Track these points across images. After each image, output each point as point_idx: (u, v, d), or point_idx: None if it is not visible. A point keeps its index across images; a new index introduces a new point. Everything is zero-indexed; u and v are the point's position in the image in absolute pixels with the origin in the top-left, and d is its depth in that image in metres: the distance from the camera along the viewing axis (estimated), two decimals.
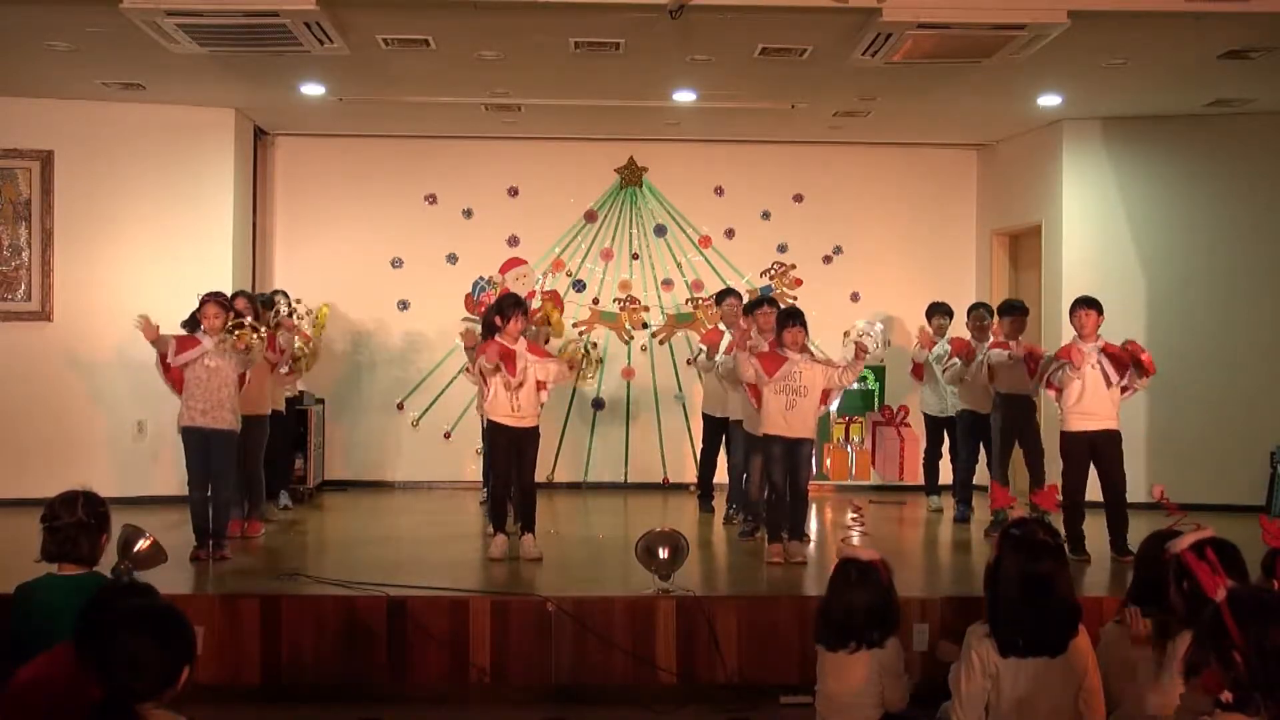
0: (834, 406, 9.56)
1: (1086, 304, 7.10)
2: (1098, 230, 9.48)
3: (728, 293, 8.79)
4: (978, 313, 8.60)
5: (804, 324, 6.97)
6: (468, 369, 7.82)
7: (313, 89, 8.63)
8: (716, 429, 8.61)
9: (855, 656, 4.31)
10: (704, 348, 8.42)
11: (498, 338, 6.97)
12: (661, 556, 5.86)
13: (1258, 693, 2.78)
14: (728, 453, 8.55)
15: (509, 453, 7.03)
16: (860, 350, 7.00)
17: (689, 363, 9.01)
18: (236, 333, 6.82)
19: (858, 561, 4.40)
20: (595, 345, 7.36)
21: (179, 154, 9.40)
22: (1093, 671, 3.80)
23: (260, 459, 7.85)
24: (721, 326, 8.61)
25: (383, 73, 8.06)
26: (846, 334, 8.28)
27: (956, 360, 8.25)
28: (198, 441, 6.82)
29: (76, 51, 7.61)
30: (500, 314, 7.00)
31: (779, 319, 7.08)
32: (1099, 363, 6.98)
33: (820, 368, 6.95)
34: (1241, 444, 9.13)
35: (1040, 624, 3.73)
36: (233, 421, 6.91)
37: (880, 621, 4.33)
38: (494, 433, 7.10)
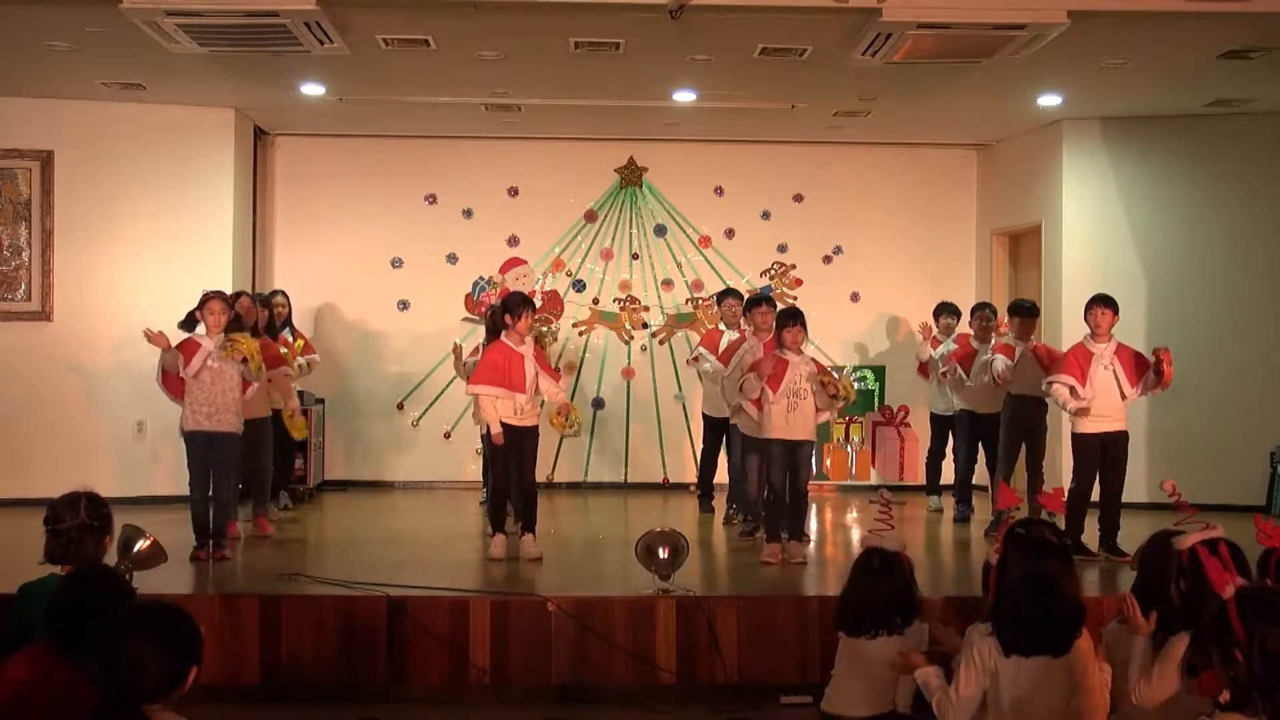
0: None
1: (1103, 302, 7.07)
2: (1098, 230, 9.48)
3: (728, 293, 8.79)
4: (982, 313, 8.59)
5: (804, 324, 6.96)
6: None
7: (313, 89, 8.63)
8: (716, 429, 8.60)
9: (875, 643, 4.34)
10: (703, 350, 8.42)
11: (504, 337, 6.96)
12: (661, 556, 5.86)
13: (1256, 692, 2.78)
14: (727, 453, 8.54)
15: (509, 452, 7.03)
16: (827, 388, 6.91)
17: (689, 362, 9.01)
18: (230, 343, 6.79)
19: (882, 551, 4.43)
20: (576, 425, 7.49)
21: (179, 154, 9.39)
22: (1093, 671, 3.80)
23: (269, 458, 7.84)
24: (722, 327, 8.61)
25: (383, 73, 8.06)
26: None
27: (956, 366, 8.32)
28: (201, 444, 6.82)
29: (76, 51, 7.61)
30: (510, 312, 6.97)
31: (779, 319, 7.07)
32: (1112, 364, 6.99)
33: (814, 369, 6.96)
34: (1241, 444, 9.13)
35: (1045, 624, 3.73)
36: (236, 424, 6.92)
37: (902, 607, 4.36)
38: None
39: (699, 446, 9.10)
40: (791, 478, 6.88)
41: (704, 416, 8.79)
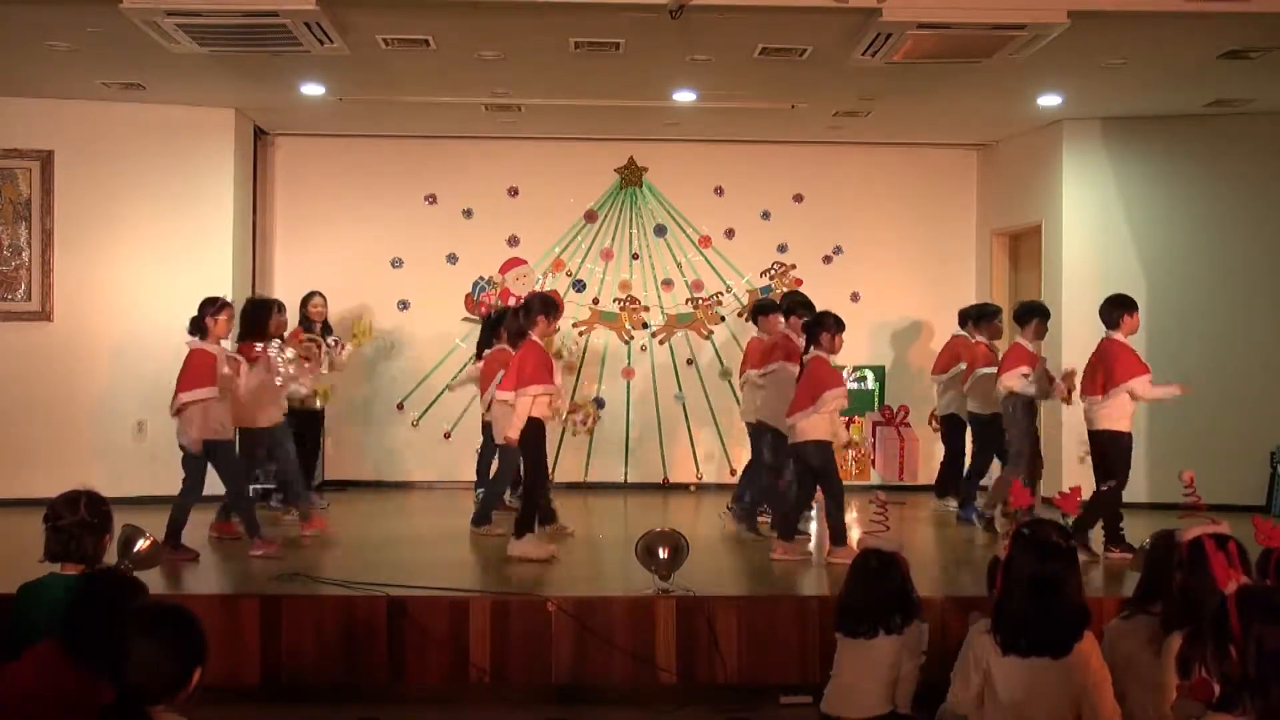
0: None
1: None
2: (1098, 230, 9.48)
3: (772, 306, 8.49)
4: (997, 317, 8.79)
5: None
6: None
7: (313, 89, 8.64)
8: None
9: (874, 643, 4.36)
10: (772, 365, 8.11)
11: (533, 335, 6.95)
12: (661, 556, 5.87)
13: (1248, 692, 2.78)
14: (775, 460, 8.12)
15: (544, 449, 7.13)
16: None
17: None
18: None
19: (879, 551, 4.46)
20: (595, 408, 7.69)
21: (179, 154, 9.40)
22: (1096, 672, 3.79)
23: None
24: (764, 337, 8.30)
25: (383, 73, 8.07)
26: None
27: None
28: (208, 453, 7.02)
29: (76, 51, 7.61)
30: (546, 314, 6.98)
31: (833, 323, 7.06)
32: None
33: None
34: (1241, 444, 9.12)
35: (1045, 624, 3.73)
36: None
37: (901, 607, 4.38)
38: (539, 433, 6.96)
39: (700, 448, 9.02)
40: None
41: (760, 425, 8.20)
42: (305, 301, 8.94)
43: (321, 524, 7.68)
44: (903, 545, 4.58)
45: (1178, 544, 3.83)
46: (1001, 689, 3.76)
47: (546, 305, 7.02)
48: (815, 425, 6.90)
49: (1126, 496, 7.16)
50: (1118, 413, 7.02)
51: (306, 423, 9.00)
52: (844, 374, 7.68)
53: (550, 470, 10.09)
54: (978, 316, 8.79)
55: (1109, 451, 7.06)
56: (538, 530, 6.99)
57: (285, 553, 6.98)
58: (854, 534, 7.75)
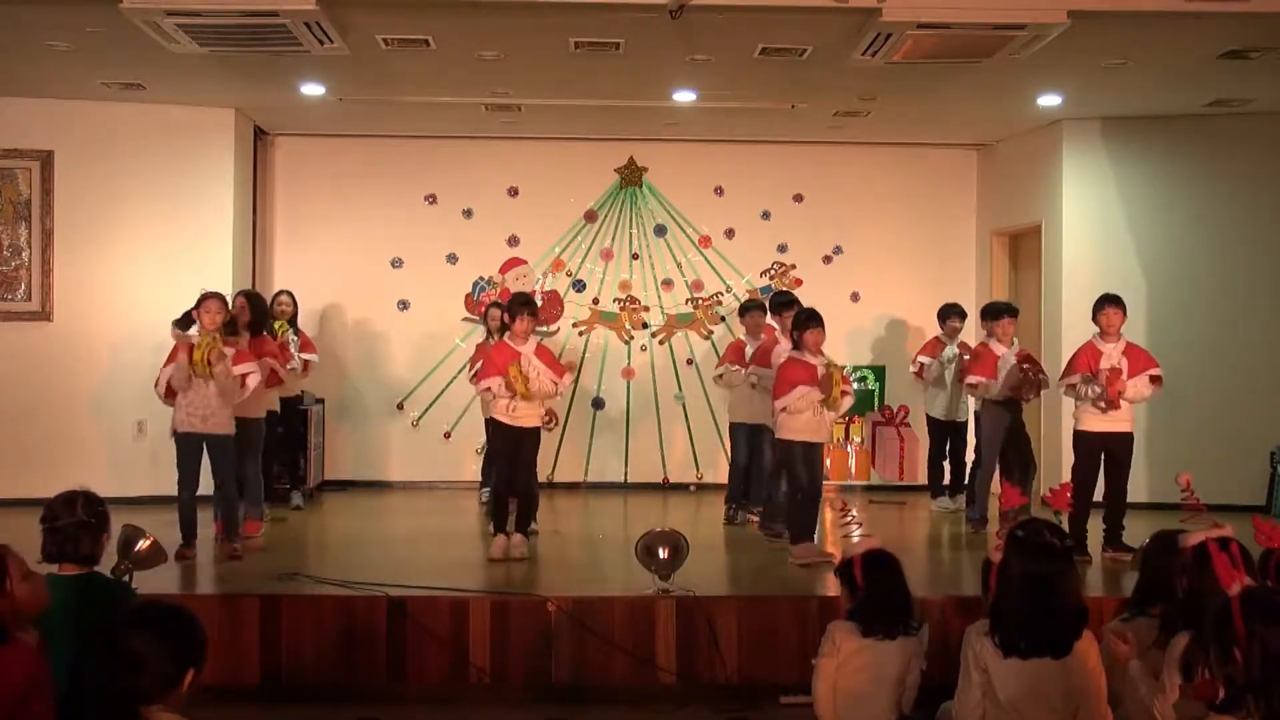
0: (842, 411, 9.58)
1: (1113, 302, 7.18)
2: (1098, 230, 9.47)
3: (753, 305, 8.60)
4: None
5: (823, 325, 7.02)
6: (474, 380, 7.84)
7: (313, 89, 8.63)
8: (749, 436, 8.30)
9: (887, 646, 4.28)
10: (728, 364, 8.26)
11: (506, 337, 7.02)
12: (661, 556, 5.87)
13: (1252, 694, 2.78)
14: (761, 458, 8.20)
15: (508, 452, 7.06)
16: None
17: (715, 380, 8.80)
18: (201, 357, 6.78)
19: (883, 551, 4.40)
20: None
21: (179, 154, 9.39)
22: (1094, 671, 3.79)
23: (258, 460, 7.83)
24: (744, 338, 8.42)
25: (383, 73, 8.06)
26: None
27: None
28: (195, 446, 6.88)
29: (76, 51, 7.61)
30: (508, 312, 7.11)
31: (801, 320, 7.05)
32: (1120, 364, 7.04)
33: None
34: (1241, 444, 9.12)
35: (1044, 625, 3.73)
36: (230, 425, 6.97)
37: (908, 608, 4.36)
38: (494, 431, 7.16)
39: (700, 448, 9.02)
40: (817, 479, 7.02)
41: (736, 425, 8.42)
42: (272, 301, 8.92)
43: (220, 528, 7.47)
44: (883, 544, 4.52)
45: (1181, 549, 3.82)
46: (1001, 690, 3.76)
47: (508, 305, 7.18)
48: (784, 424, 6.92)
49: (1128, 497, 7.15)
50: (1078, 409, 7.13)
51: (290, 419, 8.98)
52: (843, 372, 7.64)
53: (550, 471, 10.24)
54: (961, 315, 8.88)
55: (1075, 450, 7.16)
56: (499, 534, 7.02)
57: (247, 557, 6.96)
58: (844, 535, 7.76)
